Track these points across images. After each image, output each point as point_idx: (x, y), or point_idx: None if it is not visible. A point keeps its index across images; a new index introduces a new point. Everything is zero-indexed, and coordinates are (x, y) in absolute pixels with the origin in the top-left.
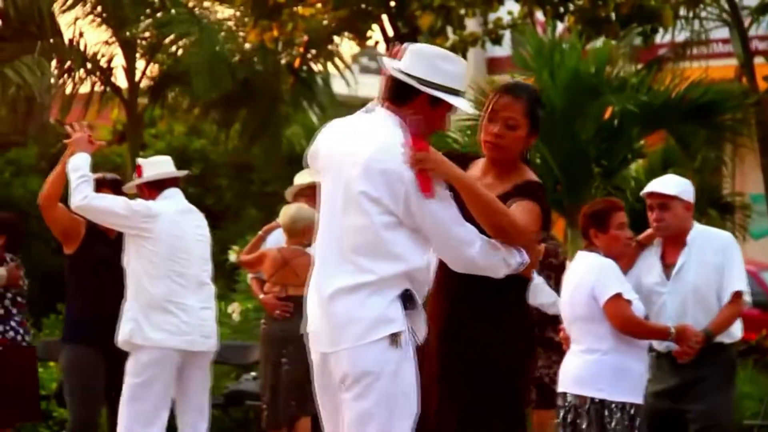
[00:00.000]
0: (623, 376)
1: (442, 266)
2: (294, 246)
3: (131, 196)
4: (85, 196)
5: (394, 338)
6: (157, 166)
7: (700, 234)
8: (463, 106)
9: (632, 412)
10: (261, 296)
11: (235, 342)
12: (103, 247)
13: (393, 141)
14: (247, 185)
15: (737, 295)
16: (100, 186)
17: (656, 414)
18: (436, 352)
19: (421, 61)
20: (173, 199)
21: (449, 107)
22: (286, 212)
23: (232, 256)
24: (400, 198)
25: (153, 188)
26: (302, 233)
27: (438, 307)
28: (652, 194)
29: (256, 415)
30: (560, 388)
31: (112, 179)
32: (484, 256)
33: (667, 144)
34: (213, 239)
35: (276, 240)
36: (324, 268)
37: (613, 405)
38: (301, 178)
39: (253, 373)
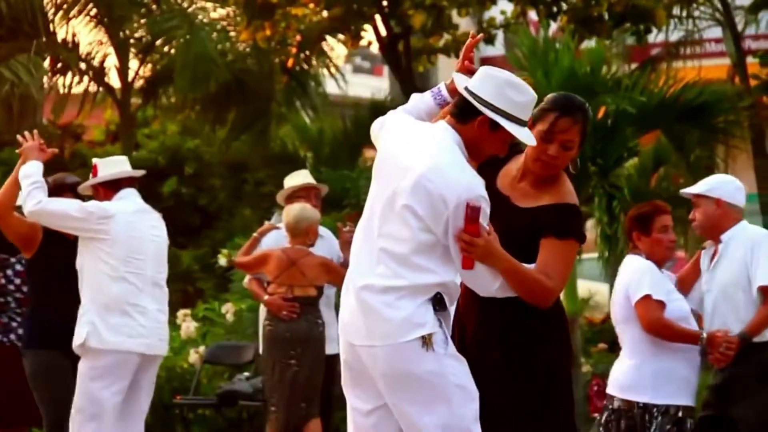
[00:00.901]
0: (665, 379)
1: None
2: (298, 246)
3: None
4: (39, 201)
5: (425, 340)
6: (113, 165)
7: (738, 232)
8: (524, 138)
9: (679, 414)
10: (266, 297)
11: (229, 342)
12: (62, 250)
13: (446, 162)
14: (240, 185)
15: (766, 291)
16: (62, 189)
17: (701, 416)
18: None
19: (490, 83)
20: (129, 200)
21: (510, 135)
22: (289, 212)
23: (222, 260)
24: (441, 220)
25: (109, 188)
26: (305, 233)
27: (472, 307)
28: (689, 195)
29: (249, 415)
30: (608, 390)
31: (72, 182)
32: (503, 292)
33: (659, 143)
34: (206, 239)
35: (272, 241)
36: (359, 265)
37: (655, 409)
38: (291, 181)
39: (246, 374)
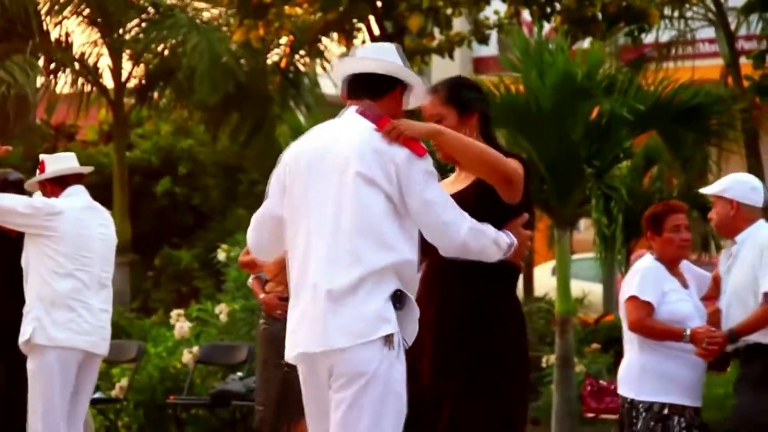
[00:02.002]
0: (652, 376)
1: (430, 265)
2: None
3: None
4: None
5: (387, 339)
6: (61, 161)
7: (752, 233)
8: (423, 87)
9: (665, 412)
10: (261, 296)
11: (222, 342)
12: (5, 249)
13: (371, 129)
14: (234, 185)
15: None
16: (4, 186)
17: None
18: (429, 345)
19: (388, 52)
20: (78, 197)
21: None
22: None
23: (221, 255)
24: (393, 178)
25: (56, 185)
26: None
27: (428, 300)
28: (708, 194)
29: (243, 415)
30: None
31: (16, 179)
32: (474, 238)
33: (649, 143)
34: (200, 239)
35: None
36: (317, 264)
37: (641, 405)
38: None
39: (239, 373)
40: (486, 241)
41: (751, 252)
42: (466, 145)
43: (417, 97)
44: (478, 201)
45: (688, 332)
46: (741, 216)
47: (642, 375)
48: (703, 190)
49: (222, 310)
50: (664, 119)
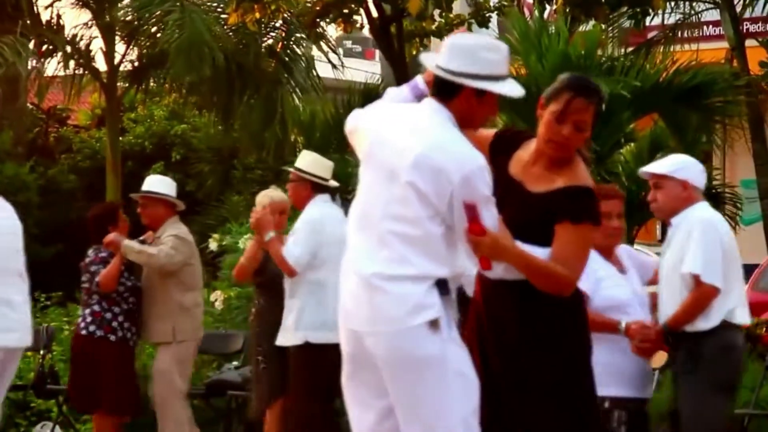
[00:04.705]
0: (595, 368)
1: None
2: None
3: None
4: None
5: (432, 324)
6: None
7: (686, 215)
8: (511, 91)
9: (606, 405)
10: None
11: (218, 331)
12: None
13: (444, 139)
14: (229, 171)
15: (695, 280)
16: None
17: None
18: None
19: (459, 54)
20: None
21: (497, 96)
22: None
23: (213, 245)
24: (445, 197)
25: None
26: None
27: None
28: (648, 174)
29: (238, 405)
30: None
31: None
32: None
33: (656, 127)
34: (195, 225)
35: None
36: (359, 252)
37: None
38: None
39: (235, 363)
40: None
41: (682, 234)
42: (539, 275)
43: (510, 89)
44: (547, 211)
45: (623, 326)
46: (690, 199)
47: None
48: (646, 169)
49: (217, 298)
50: (665, 100)
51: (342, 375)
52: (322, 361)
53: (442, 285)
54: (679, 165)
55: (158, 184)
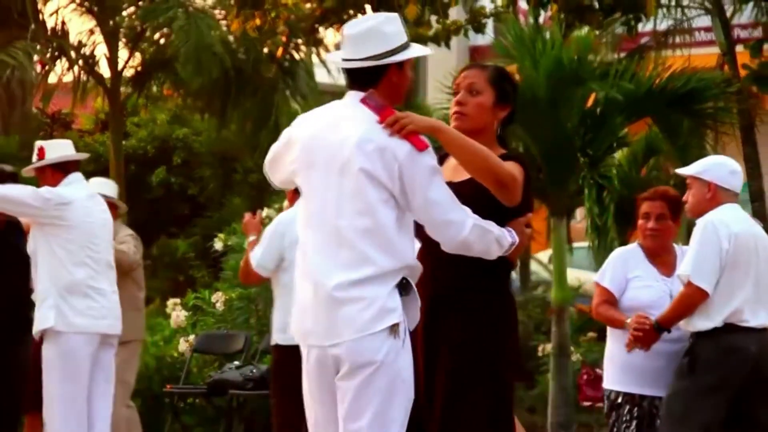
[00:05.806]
0: (613, 364)
1: (426, 253)
2: None
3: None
4: None
5: (393, 328)
6: (61, 148)
7: (704, 217)
8: (422, 51)
9: (619, 401)
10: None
11: (219, 331)
12: (22, 239)
13: (373, 121)
14: (230, 174)
15: (687, 281)
16: (3, 179)
17: None
18: (421, 335)
19: (366, 39)
20: (79, 184)
21: (411, 61)
22: None
23: (218, 244)
24: (395, 175)
25: (57, 171)
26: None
27: (424, 292)
28: (683, 175)
29: (239, 404)
30: None
31: (12, 171)
32: (477, 237)
33: (650, 132)
34: (197, 228)
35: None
36: (319, 259)
37: (605, 392)
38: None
39: (236, 362)
40: (489, 240)
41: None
42: (463, 146)
43: (421, 50)
44: (480, 194)
45: (629, 321)
46: (715, 200)
47: (608, 363)
48: (681, 171)
49: (219, 299)
50: (659, 105)
51: (304, 391)
52: (289, 360)
53: (402, 286)
54: (706, 166)
55: (103, 186)
